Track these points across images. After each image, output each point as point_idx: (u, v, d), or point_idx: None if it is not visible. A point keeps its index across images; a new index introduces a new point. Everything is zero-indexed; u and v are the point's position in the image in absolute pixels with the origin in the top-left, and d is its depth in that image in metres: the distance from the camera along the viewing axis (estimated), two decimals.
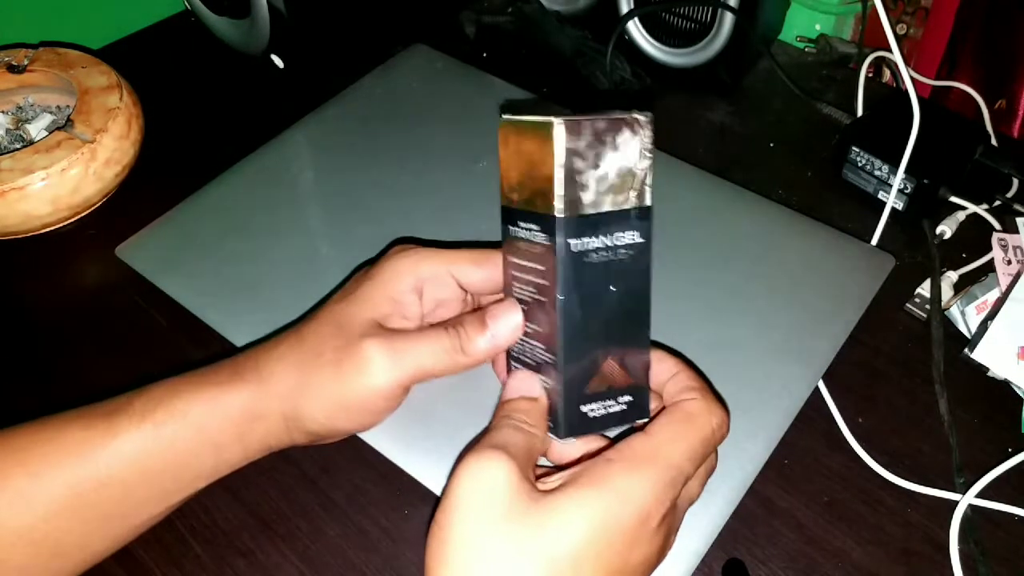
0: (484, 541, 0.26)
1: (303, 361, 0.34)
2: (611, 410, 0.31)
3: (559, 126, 0.29)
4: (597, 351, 0.31)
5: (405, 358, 0.33)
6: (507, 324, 0.32)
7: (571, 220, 0.29)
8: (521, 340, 0.33)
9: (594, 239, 0.30)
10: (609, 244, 0.30)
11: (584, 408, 0.31)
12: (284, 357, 0.34)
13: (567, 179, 0.29)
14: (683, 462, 0.29)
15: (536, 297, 0.31)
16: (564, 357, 0.30)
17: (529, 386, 0.32)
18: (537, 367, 0.32)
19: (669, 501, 0.28)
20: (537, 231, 0.30)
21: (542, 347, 0.31)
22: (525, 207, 0.31)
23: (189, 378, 0.35)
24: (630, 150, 0.30)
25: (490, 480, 0.27)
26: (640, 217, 0.31)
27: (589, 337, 0.31)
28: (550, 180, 0.29)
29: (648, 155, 0.30)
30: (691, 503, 0.32)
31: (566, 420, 0.31)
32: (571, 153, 0.29)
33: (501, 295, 0.37)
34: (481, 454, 0.28)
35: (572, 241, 0.30)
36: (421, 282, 0.35)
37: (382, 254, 0.37)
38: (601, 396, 0.31)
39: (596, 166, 0.30)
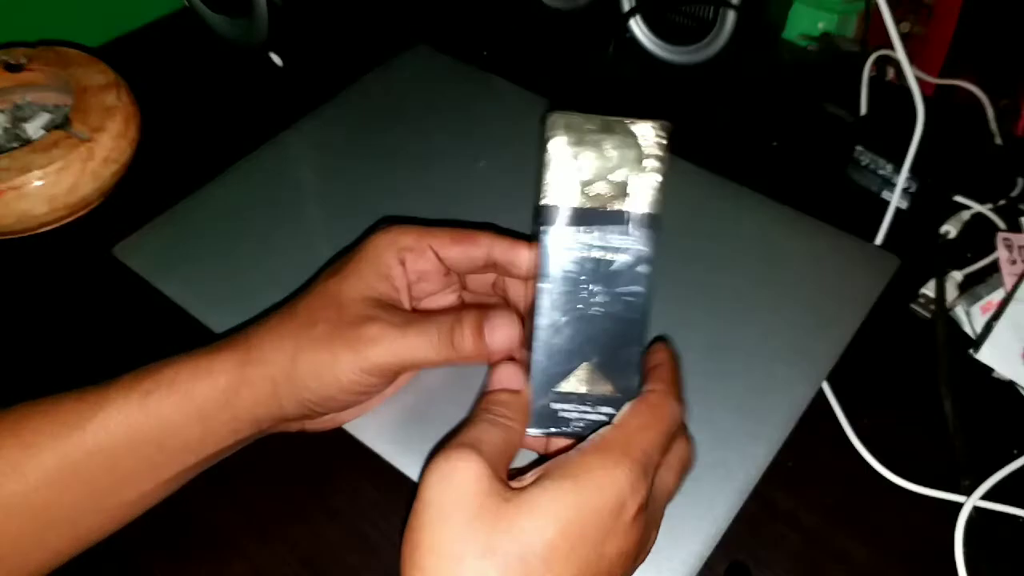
0: (454, 544, 0.26)
1: (295, 331, 0.34)
2: (587, 416, 0.31)
3: (554, 119, 0.30)
4: (575, 350, 0.31)
5: (399, 345, 0.33)
6: (502, 338, 0.32)
7: (553, 209, 0.30)
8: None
9: (581, 233, 0.30)
10: (600, 243, 0.31)
11: (555, 406, 0.31)
12: (275, 328, 0.35)
13: (555, 169, 0.30)
14: (652, 451, 0.29)
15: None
16: (536, 348, 0.31)
17: (511, 377, 0.31)
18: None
19: (644, 491, 0.28)
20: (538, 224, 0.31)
21: (528, 342, 0.32)
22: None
23: (182, 354, 0.35)
24: (632, 153, 0.30)
25: (459, 481, 0.27)
26: (641, 224, 0.31)
27: (566, 334, 0.31)
28: (543, 169, 0.30)
29: (659, 162, 0.31)
30: (669, 498, 0.32)
31: (536, 415, 0.31)
32: (558, 144, 0.30)
33: (481, 274, 0.38)
34: (450, 453, 0.28)
35: (555, 231, 0.30)
36: (403, 253, 0.36)
37: (368, 233, 0.37)
38: (576, 399, 0.31)
39: (593, 162, 0.30)
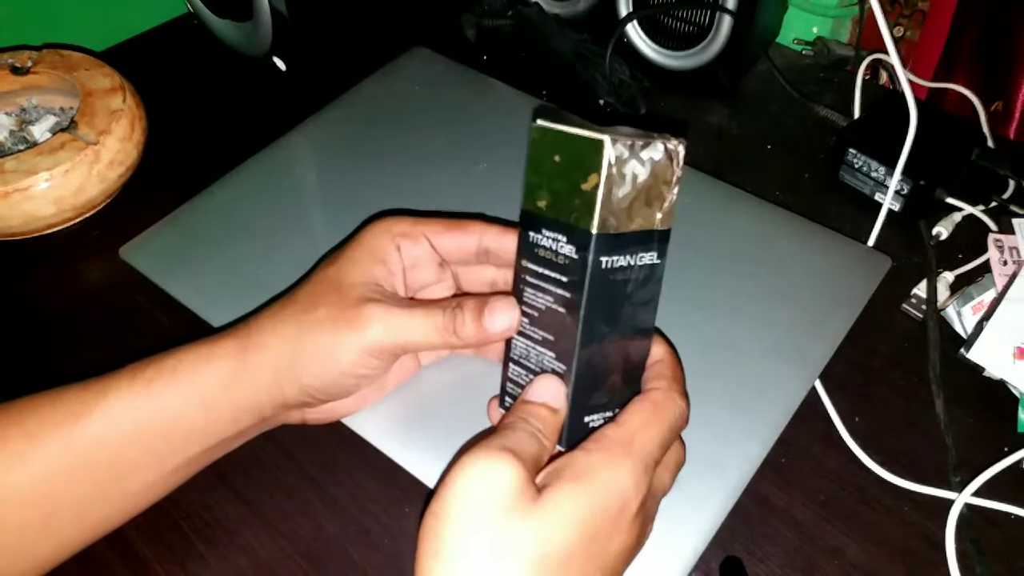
0: (480, 536, 0.27)
1: (297, 317, 0.35)
2: (608, 420, 0.32)
3: (610, 145, 0.28)
4: (606, 367, 0.31)
5: (401, 325, 0.34)
6: (503, 320, 0.33)
7: (603, 237, 0.29)
8: (526, 344, 0.33)
9: (620, 258, 0.30)
10: (631, 263, 0.31)
11: (586, 419, 0.32)
12: (275, 314, 0.36)
13: (606, 197, 0.29)
14: (654, 449, 0.30)
15: (551, 306, 0.31)
16: (577, 371, 0.31)
17: (555, 395, 0.31)
18: (540, 373, 0.32)
19: (645, 488, 0.29)
20: (564, 242, 0.30)
21: (551, 355, 0.32)
22: (553, 216, 0.31)
23: (185, 344, 0.36)
24: (663, 173, 0.31)
25: (497, 479, 0.27)
26: (660, 239, 0.31)
27: (601, 354, 0.31)
28: (590, 195, 0.29)
29: (678, 181, 0.31)
30: (664, 494, 0.33)
31: (568, 431, 0.31)
32: (611, 170, 0.29)
33: (471, 264, 0.38)
34: (492, 453, 0.28)
35: (603, 259, 0.30)
36: (398, 239, 0.37)
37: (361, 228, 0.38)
38: (601, 407, 0.32)
39: (631, 185, 0.30)
